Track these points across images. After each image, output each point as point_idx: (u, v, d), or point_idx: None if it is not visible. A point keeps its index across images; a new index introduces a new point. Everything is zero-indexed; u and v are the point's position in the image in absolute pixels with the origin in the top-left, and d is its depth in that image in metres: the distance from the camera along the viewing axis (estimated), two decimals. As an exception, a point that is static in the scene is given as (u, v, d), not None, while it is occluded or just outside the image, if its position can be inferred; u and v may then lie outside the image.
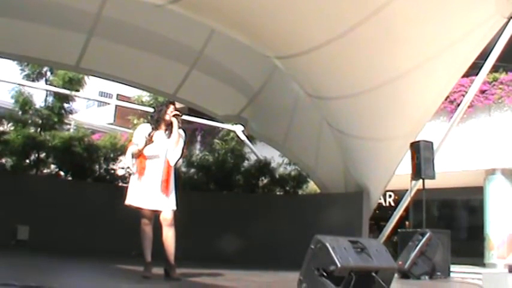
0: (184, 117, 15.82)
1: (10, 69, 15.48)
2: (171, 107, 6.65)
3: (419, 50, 7.88)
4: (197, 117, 16.96)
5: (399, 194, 15.54)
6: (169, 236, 6.32)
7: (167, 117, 6.55)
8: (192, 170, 15.00)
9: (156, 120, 6.61)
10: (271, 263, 10.70)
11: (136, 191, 6.34)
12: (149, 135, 6.43)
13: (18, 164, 13.01)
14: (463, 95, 13.73)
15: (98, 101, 29.38)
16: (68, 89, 13.97)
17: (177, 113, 6.58)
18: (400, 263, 8.58)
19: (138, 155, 6.42)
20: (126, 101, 21.43)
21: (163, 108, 6.67)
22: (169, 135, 6.52)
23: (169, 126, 6.56)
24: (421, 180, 10.18)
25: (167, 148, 6.48)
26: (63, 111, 14.19)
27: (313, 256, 5.22)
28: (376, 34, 7.49)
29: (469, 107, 13.75)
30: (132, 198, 6.34)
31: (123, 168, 14.35)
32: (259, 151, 15.56)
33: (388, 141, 9.64)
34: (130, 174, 6.65)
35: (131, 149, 6.50)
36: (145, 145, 6.35)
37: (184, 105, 14.98)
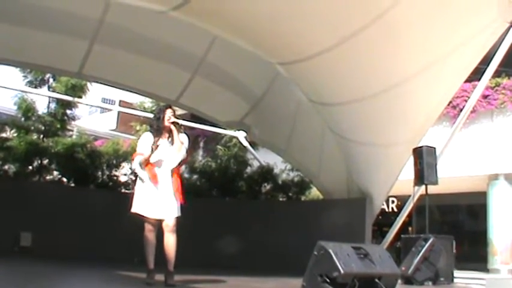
0: (187, 123, 15.95)
1: (13, 76, 15.47)
2: (168, 111, 6.60)
3: (422, 55, 7.87)
4: (200, 123, 16.96)
5: (402, 200, 15.53)
6: (170, 242, 6.32)
7: (166, 123, 6.53)
8: (195, 176, 15.00)
9: (157, 130, 6.59)
10: (274, 269, 10.69)
11: (142, 199, 6.34)
12: (154, 143, 6.41)
13: (21, 171, 13.02)
14: (466, 100, 13.72)
15: (100, 107, 29.44)
16: (71, 96, 13.98)
17: (175, 120, 6.54)
18: (403, 268, 8.57)
19: (146, 164, 6.42)
20: (129, 107, 21.48)
21: (161, 115, 6.63)
22: (172, 143, 6.51)
23: (170, 132, 6.54)
24: (423, 186, 10.16)
25: (171, 156, 6.48)
26: (65, 117, 14.21)
27: (316, 262, 5.22)
28: (378, 39, 7.48)
29: (471, 112, 13.74)
30: (138, 207, 6.34)
31: (125, 174, 14.35)
32: (262, 157, 15.55)
33: (391, 147, 9.63)
34: (134, 181, 6.64)
35: (138, 159, 6.50)
36: (152, 152, 6.35)
37: (186, 112, 14.99)
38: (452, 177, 15.51)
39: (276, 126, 12.51)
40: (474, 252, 17.42)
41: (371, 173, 10.57)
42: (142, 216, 6.33)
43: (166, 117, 6.54)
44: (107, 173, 14.10)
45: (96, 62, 11.09)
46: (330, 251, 5.07)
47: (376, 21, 7.21)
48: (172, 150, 6.48)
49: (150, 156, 6.38)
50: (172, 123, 6.50)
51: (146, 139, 6.61)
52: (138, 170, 6.52)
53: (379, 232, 16.99)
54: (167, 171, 6.43)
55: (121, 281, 7.82)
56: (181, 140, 6.54)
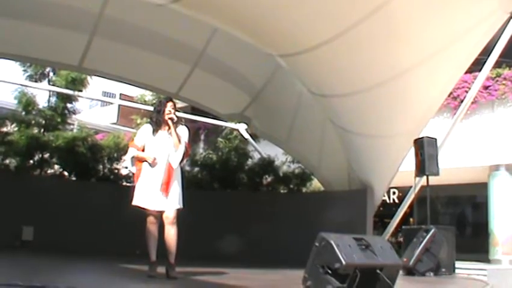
0: (188, 116, 15.95)
1: (13, 70, 15.49)
2: (168, 105, 6.61)
3: (422, 46, 7.86)
4: (200, 116, 16.97)
5: (403, 191, 15.55)
6: (170, 234, 6.34)
7: (166, 117, 6.53)
8: (196, 169, 15.00)
9: (156, 123, 6.60)
10: (275, 260, 10.69)
11: (142, 192, 6.35)
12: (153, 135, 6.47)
13: (22, 165, 13.01)
14: (467, 91, 13.74)
15: (101, 100, 29.42)
16: (71, 89, 13.97)
17: (171, 116, 6.53)
18: (405, 260, 8.58)
19: (138, 160, 6.48)
20: (129, 100, 21.47)
21: (161, 108, 6.64)
22: (171, 135, 6.52)
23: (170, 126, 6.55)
24: (425, 177, 10.17)
25: (170, 149, 6.49)
26: (66, 111, 14.19)
27: (317, 254, 5.22)
28: (379, 31, 7.47)
29: (472, 103, 13.74)
30: (139, 199, 6.36)
31: (126, 167, 14.33)
32: (263, 149, 15.56)
33: (392, 138, 9.63)
34: (134, 174, 6.67)
35: (132, 152, 6.54)
36: (143, 157, 6.42)
37: (187, 104, 14.99)
38: (454, 168, 15.52)
39: (277, 118, 12.51)
40: (475, 243, 17.43)
41: (372, 165, 10.57)
42: (144, 208, 6.34)
43: (166, 111, 6.55)
44: (108, 166, 14.10)
45: (96, 55, 11.10)
46: (332, 242, 5.07)
47: (375, 12, 7.20)
48: (172, 144, 6.49)
49: (141, 158, 6.44)
50: (170, 119, 6.49)
51: (145, 130, 6.64)
52: (129, 163, 6.60)
53: (381, 223, 17.02)
54: (165, 164, 6.44)
55: (123, 273, 7.83)
56: (180, 135, 6.55)
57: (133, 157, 6.54)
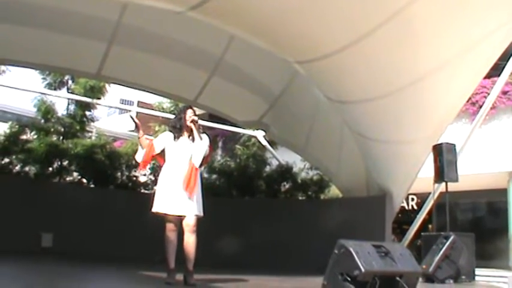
0: (206, 123, 15.97)
1: (32, 78, 15.58)
2: (188, 111, 6.68)
3: (441, 51, 7.81)
4: (218, 123, 16.97)
5: (422, 197, 15.45)
6: (190, 242, 6.32)
7: (188, 123, 6.58)
8: (214, 176, 15.01)
9: (179, 129, 6.63)
10: (294, 267, 10.67)
11: (163, 198, 6.36)
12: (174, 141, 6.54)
13: (42, 172, 13.12)
14: (485, 97, 13.65)
15: (119, 108, 29.51)
16: (90, 97, 14.06)
17: (194, 118, 6.60)
18: (424, 267, 8.53)
19: (149, 147, 6.66)
20: (147, 108, 21.50)
21: (182, 115, 6.69)
22: (193, 140, 6.55)
23: (191, 131, 6.59)
24: (444, 183, 10.10)
25: (192, 153, 6.51)
26: (85, 119, 14.29)
27: (336, 261, 5.21)
28: (396, 37, 7.44)
29: (491, 108, 13.63)
30: (158, 205, 6.36)
31: (145, 175, 14.39)
32: (281, 156, 15.54)
33: (410, 144, 9.58)
34: (153, 181, 6.71)
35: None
36: (139, 129, 6.73)
37: (205, 112, 15.01)
38: (473, 174, 15.40)
39: (295, 125, 12.49)
40: (495, 250, 17.27)
41: (390, 171, 10.52)
42: (164, 214, 6.34)
43: (187, 117, 6.60)
44: (127, 173, 14.16)
45: (114, 63, 11.16)
46: (351, 249, 5.06)
47: (393, 18, 7.17)
48: (193, 148, 6.52)
49: (143, 135, 6.77)
50: (192, 121, 6.56)
51: (166, 136, 6.70)
52: (139, 152, 6.82)
53: (399, 230, 16.91)
54: (187, 168, 6.45)
55: (141, 280, 7.84)
56: (202, 137, 6.61)
57: (141, 145, 6.74)
